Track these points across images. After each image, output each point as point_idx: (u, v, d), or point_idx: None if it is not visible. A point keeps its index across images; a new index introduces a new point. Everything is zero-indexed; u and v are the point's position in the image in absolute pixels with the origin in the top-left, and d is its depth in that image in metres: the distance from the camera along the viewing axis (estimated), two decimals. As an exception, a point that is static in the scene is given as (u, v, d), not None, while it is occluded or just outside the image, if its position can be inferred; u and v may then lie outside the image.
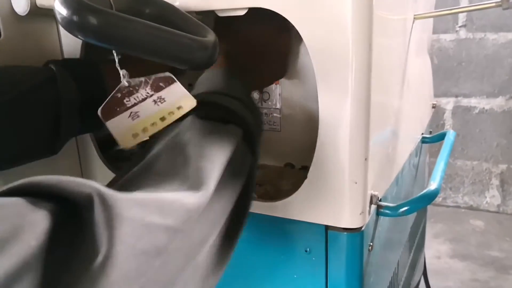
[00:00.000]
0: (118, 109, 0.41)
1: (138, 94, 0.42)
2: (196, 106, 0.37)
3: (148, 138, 0.45)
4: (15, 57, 0.48)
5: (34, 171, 0.46)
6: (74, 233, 0.21)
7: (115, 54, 0.36)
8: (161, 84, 0.43)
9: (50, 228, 0.20)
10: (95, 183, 0.23)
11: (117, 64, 0.37)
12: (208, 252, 0.30)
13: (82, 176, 0.58)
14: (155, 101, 0.43)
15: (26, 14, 0.47)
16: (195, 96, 0.38)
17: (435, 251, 1.60)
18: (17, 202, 0.21)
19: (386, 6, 0.47)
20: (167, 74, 0.43)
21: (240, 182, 0.34)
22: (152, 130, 0.43)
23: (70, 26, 0.31)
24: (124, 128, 0.41)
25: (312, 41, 0.39)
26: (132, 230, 0.22)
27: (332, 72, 0.39)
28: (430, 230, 1.73)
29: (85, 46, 0.52)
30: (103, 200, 0.22)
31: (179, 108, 0.45)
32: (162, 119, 0.44)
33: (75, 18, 0.30)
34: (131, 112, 0.41)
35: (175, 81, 0.44)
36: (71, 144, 0.54)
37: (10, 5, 0.47)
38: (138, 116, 0.41)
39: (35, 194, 0.22)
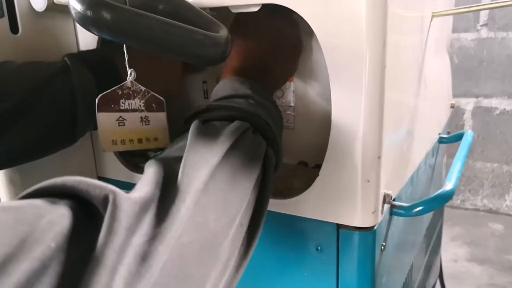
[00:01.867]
0: (112, 105, 0.42)
1: (133, 102, 0.43)
2: (203, 111, 0.37)
3: (122, 150, 0.46)
4: (32, 52, 0.49)
5: (48, 162, 0.47)
6: (91, 231, 0.22)
7: (125, 51, 0.37)
8: (153, 104, 0.45)
9: (69, 228, 0.21)
10: (112, 186, 0.24)
11: (126, 62, 0.37)
12: (230, 244, 0.30)
13: (96, 169, 0.58)
14: (142, 119, 0.44)
15: (44, 11, 0.48)
16: (208, 105, 0.38)
17: (452, 254, 1.57)
18: (36, 203, 0.22)
19: (402, 3, 0.46)
20: (162, 99, 0.44)
21: (255, 171, 0.34)
22: (128, 147, 0.45)
23: (84, 21, 0.31)
24: (108, 129, 0.42)
25: (325, 38, 0.39)
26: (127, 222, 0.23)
27: (345, 70, 0.39)
28: (447, 233, 1.70)
29: (102, 42, 0.52)
30: (115, 197, 0.23)
31: (155, 139, 0.46)
32: (139, 140, 0.46)
33: (89, 13, 0.31)
34: (120, 117, 0.42)
35: (164, 110, 0.45)
36: (85, 138, 0.55)
37: (28, 1, 0.48)
38: (123, 124, 0.42)
39: (56, 194, 0.23)
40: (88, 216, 0.23)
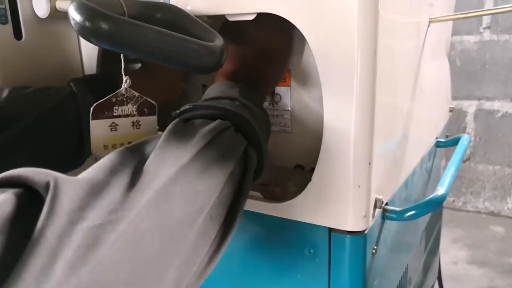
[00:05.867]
0: (106, 113, 0.43)
1: (125, 108, 0.44)
2: (187, 110, 0.38)
3: None
4: (36, 58, 0.50)
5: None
6: (33, 216, 0.22)
7: (122, 60, 0.38)
8: (145, 109, 0.46)
9: (10, 212, 0.22)
10: (55, 172, 0.25)
11: (122, 70, 0.38)
12: (198, 236, 0.30)
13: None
14: (133, 123, 0.45)
15: (47, 17, 0.49)
16: (193, 105, 0.39)
17: (453, 256, 1.57)
18: None
19: (396, 10, 0.47)
20: (154, 103, 0.45)
21: (228, 166, 0.34)
22: None
23: (84, 31, 0.33)
24: (101, 135, 0.44)
25: (317, 46, 0.40)
26: (69, 205, 0.23)
27: (336, 77, 0.40)
28: (448, 235, 1.70)
29: (103, 48, 0.54)
30: (56, 181, 0.23)
31: None
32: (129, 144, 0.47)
33: (87, 24, 0.32)
34: (112, 122, 0.44)
35: (155, 114, 0.46)
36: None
37: (31, 8, 0.49)
38: (115, 130, 0.44)
39: (7, 185, 0.24)
40: (33, 202, 0.23)
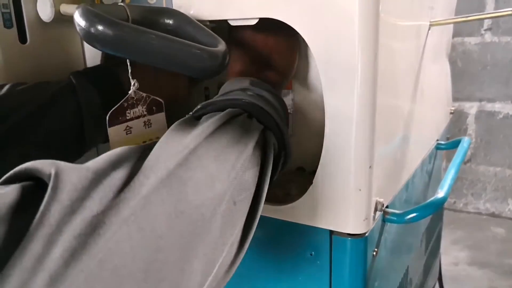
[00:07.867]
0: (120, 118, 0.44)
1: (136, 110, 0.45)
2: (197, 110, 0.38)
3: None
4: (40, 61, 0.51)
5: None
6: (38, 205, 0.22)
7: (128, 64, 0.38)
8: (153, 107, 0.46)
9: (15, 200, 0.22)
10: (60, 161, 0.24)
11: (129, 74, 0.39)
12: (222, 221, 0.29)
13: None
14: (145, 123, 0.46)
15: (51, 21, 0.49)
16: (202, 104, 0.39)
17: (453, 257, 1.58)
18: None
19: (397, 14, 0.47)
20: (161, 100, 0.46)
21: (244, 150, 0.33)
22: None
23: (88, 37, 0.33)
24: (118, 140, 0.44)
25: (319, 51, 0.40)
26: (69, 191, 0.23)
27: (337, 80, 0.40)
28: (449, 236, 1.70)
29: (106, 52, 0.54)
30: (58, 170, 0.23)
31: (157, 138, 0.48)
32: (144, 143, 0.48)
33: (92, 30, 0.33)
34: (127, 126, 0.44)
35: (163, 110, 0.47)
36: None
37: (36, 12, 0.50)
38: (130, 132, 0.44)
39: (19, 179, 0.24)
40: (40, 192, 0.23)
